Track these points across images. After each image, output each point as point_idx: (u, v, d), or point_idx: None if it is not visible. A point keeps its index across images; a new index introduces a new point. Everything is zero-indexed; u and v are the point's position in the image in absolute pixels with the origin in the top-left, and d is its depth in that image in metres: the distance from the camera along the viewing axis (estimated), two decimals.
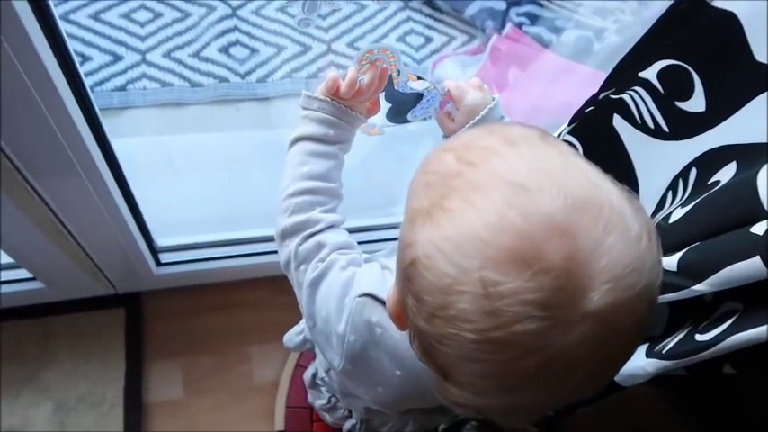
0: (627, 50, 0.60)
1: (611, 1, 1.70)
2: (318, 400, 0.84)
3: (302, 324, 0.83)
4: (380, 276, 0.60)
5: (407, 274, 0.40)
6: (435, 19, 1.75)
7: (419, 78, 0.73)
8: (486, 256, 0.35)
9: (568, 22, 1.68)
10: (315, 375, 0.84)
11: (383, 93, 0.71)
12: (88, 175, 0.72)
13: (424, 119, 0.75)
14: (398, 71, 0.69)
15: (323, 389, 0.83)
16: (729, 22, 0.51)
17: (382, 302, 0.57)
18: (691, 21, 0.53)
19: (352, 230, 1.07)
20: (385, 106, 0.73)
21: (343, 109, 0.65)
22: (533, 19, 1.69)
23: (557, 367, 0.37)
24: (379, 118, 0.75)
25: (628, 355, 0.43)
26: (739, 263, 0.47)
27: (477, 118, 0.67)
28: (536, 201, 0.36)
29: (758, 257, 0.45)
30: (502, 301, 0.35)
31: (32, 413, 1.09)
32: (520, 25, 1.67)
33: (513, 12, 1.70)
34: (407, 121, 0.74)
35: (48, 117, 0.61)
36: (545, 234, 0.35)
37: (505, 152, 0.40)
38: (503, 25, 1.66)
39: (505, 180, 0.37)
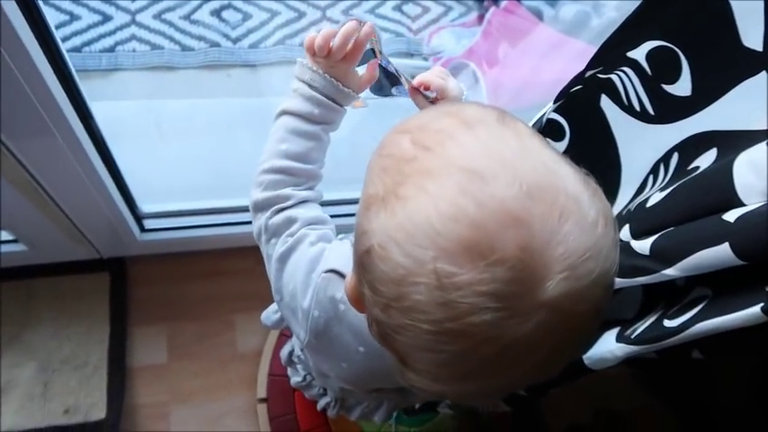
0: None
1: None
2: (294, 378, 0.85)
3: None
4: (350, 253, 0.60)
5: (363, 262, 0.40)
6: None
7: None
8: (440, 247, 0.35)
9: None
10: (291, 353, 0.85)
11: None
12: (64, 136, 0.71)
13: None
14: (380, 51, 0.68)
15: (299, 366, 0.84)
16: (720, 3, 0.50)
17: None
18: (678, 1, 0.51)
19: (338, 203, 1.06)
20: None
21: (334, 83, 0.62)
22: None
23: (513, 355, 0.37)
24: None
25: (586, 339, 0.43)
26: (709, 249, 0.47)
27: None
28: (490, 188, 0.35)
29: (727, 244, 0.45)
30: (456, 292, 0.34)
31: (16, 373, 1.10)
32: None
33: None
34: (391, 95, 0.73)
35: (18, 76, 0.60)
36: (499, 224, 0.34)
37: (461, 136, 0.39)
38: None
39: (460, 166, 0.36)
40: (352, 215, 1.07)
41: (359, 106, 0.75)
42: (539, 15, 1.60)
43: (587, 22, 1.50)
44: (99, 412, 1.10)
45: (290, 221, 0.60)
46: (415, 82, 0.66)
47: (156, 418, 1.13)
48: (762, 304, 0.43)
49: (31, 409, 1.08)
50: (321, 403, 0.84)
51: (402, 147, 0.40)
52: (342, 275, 0.57)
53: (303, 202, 0.62)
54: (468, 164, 0.36)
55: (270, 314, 0.80)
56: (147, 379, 1.15)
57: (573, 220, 0.36)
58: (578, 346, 0.42)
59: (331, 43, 0.60)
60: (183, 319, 1.19)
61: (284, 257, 0.59)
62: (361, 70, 0.70)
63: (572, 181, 0.38)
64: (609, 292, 0.39)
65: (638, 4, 0.55)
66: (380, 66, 0.69)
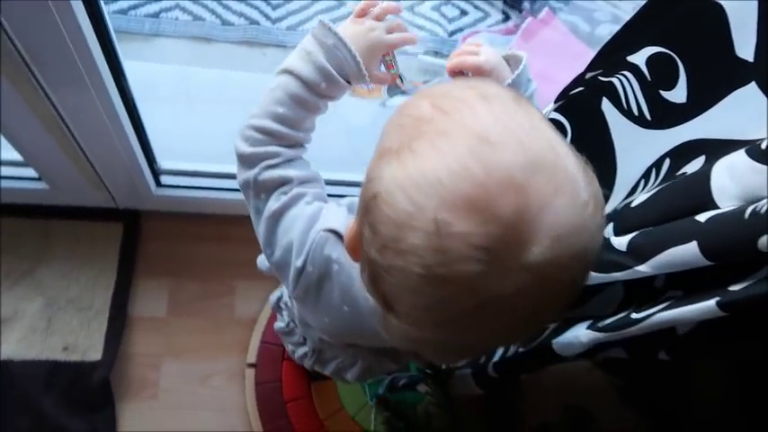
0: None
1: None
2: (278, 323, 0.88)
3: None
4: (346, 217, 0.62)
5: (368, 206, 0.43)
6: None
7: (426, 83, 0.73)
8: (443, 199, 0.38)
9: (607, 16, 1.66)
10: (280, 299, 0.87)
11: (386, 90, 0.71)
12: (95, 86, 0.76)
13: None
14: (401, 78, 0.68)
15: (284, 313, 0.86)
16: (716, 13, 0.51)
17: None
18: (679, 6, 0.53)
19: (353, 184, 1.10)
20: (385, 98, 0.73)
21: (357, 58, 0.61)
22: (572, 7, 1.67)
23: (489, 310, 0.40)
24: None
25: (557, 310, 0.45)
26: (679, 247, 0.49)
27: (506, 83, 0.66)
28: (498, 155, 0.38)
29: (695, 243, 0.47)
30: (450, 240, 0.38)
31: (24, 306, 1.15)
32: (557, 11, 1.65)
33: None
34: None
35: (61, 28, 0.64)
36: (501, 187, 0.38)
37: (478, 106, 0.42)
38: (540, 8, 1.64)
39: (472, 131, 0.40)
40: None
41: (373, 95, 0.76)
42: (575, 32, 1.62)
43: None
44: (95, 354, 1.14)
45: (283, 180, 0.61)
46: (447, 69, 0.68)
47: (148, 367, 1.17)
48: (718, 298, 0.45)
49: (32, 341, 1.13)
50: (299, 352, 0.86)
51: (421, 108, 0.43)
52: (339, 236, 0.59)
53: (291, 160, 0.62)
54: (481, 130, 0.40)
55: (265, 260, 0.82)
56: (145, 329, 1.19)
57: (566, 196, 0.39)
58: (550, 314, 0.45)
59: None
60: (187, 277, 1.23)
61: (278, 214, 0.60)
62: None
63: (572, 163, 0.41)
64: (587, 270, 0.43)
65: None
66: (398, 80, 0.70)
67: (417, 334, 0.45)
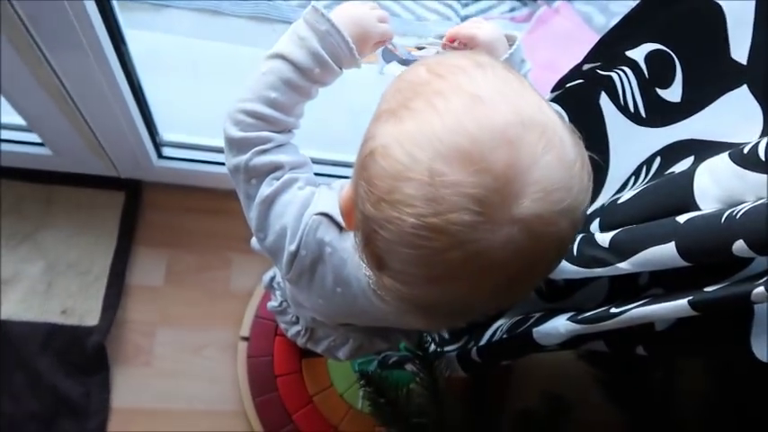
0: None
1: None
2: (271, 302, 0.89)
3: None
4: (338, 201, 0.62)
5: (364, 163, 0.44)
6: None
7: (420, 48, 0.72)
8: (438, 151, 0.40)
9: (622, 7, 1.64)
10: (273, 279, 0.88)
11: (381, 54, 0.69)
12: (94, 54, 0.76)
13: None
14: (393, 46, 0.68)
15: (277, 293, 0.87)
16: (715, 13, 0.51)
17: (337, 225, 0.60)
18: (678, 3, 0.53)
19: (348, 165, 1.10)
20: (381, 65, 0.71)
21: (351, 46, 0.61)
22: None
23: (479, 264, 0.41)
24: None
25: (545, 269, 0.47)
26: (657, 246, 0.49)
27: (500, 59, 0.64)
28: (491, 112, 0.40)
29: (673, 243, 0.47)
30: (444, 190, 0.39)
31: (25, 267, 1.17)
32: (574, 1, 1.63)
33: None
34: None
35: None
36: (493, 142, 0.39)
37: (472, 71, 0.44)
38: None
39: (467, 91, 0.42)
40: None
41: (369, 60, 0.74)
42: (589, 23, 1.60)
43: None
44: (92, 319, 1.16)
45: (275, 165, 0.60)
46: (445, 38, 0.68)
47: (143, 334, 1.19)
48: (690, 297, 0.45)
49: (31, 303, 1.15)
50: (292, 331, 0.87)
51: (418, 74, 0.45)
52: (332, 219, 0.60)
53: (282, 145, 0.62)
54: (475, 91, 0.42)
55: None
56: (142, 297, 1.21)
57: (555, 153, 0.41)
58: (537, 274, 0.46)
59: None
60: (185, 248, 1.25)
61: (270, 199, 0.60)
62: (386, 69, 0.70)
63: (560, 125, 0.43)
64: (574, 228, 0.44)
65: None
66: (396, 55, 0.69)
67: (409, 292, 0.46)
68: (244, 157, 0.60)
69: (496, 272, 0.42)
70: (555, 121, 0.43)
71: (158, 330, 1.20)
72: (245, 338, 1.21)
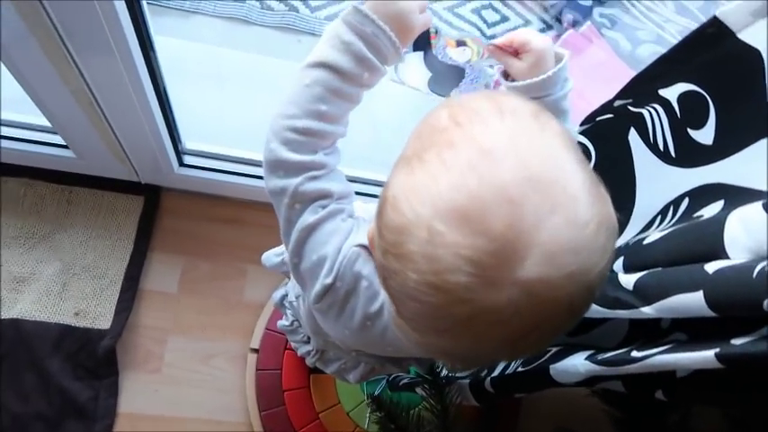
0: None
1: None
2: (282, 321, 0.88)
3: (282, 247, 0.86)
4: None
5: (380, 209, 0.45)
6: None
7: (460, 44, 0.70)
8: (437, 208, 0.39)
9: (651, 35, 1.62)
10: (284, 297, 0.87)
11: (423, 56, 0.68)
12: (123, 59, 0.76)
13: None
14: (435, 30, 0.66)
15: (288, 312, 0.87)
16: (752, 59, 0.50)
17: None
18: (715, 47, 0.52)
19: (376, 183, 1.10)
20: (425, 74, 0.70)
21: (397, 45, 0.57)
22: (615, 23, 1.63)
23: (482, 323, 0.40)
24: (421, 84, 0.73)
25: (553, 331, 0.44)
26: (685, 294, 0.48)
27: (543, 77, 0.61)
28: (495, 168, 0.39)
29: (701, 293, 0.46)
30: (441, 249, 0.39)
31: (41, 268, 1.18)
32: (600, 26, 1.62)
33: (597, 11, 1.64)
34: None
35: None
36: (494, 200, 0.38)
37: (490, 118, 0.42)
38: (582, 21, 1.61)
39: (476, 144, 0.40)
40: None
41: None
42: (616, 49, 1.59)
43: None
44: (105, 322, 1.17)
45: (324, 193, 0.58)
46: (495, 43, 0.63)
47: (154, 340, 1.19)
48: (717, 350, 0.44)
49: (45, 304, 1.16)
50: (302, 350, 0.86)
51: (440, 118, 0.44)
52: (370, 252, 0.57)
53: (333, 170, 0.60)
54: (484, 143, 0.40)
55: (271, 256, 0.82)
56: (155, 303, 1.21)
57: (563, 215, 0.38)
58: (549, 335, 0.44)
59: None
60: (201, 256, 1.25)
61: (313, 227, 0.58)
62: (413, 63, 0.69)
63: (576, 182, 0.40)
64: (587, 293, 0.41)
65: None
66: (436, 58, 0.68)
67: (419, 338, 0.46)
68: (294, 181, 0.57)
69: (501, 329, 0.41)
70: (571, 175, 0.40)
71: (170, 337, 1.20)
72: (255, 350, 1.20)
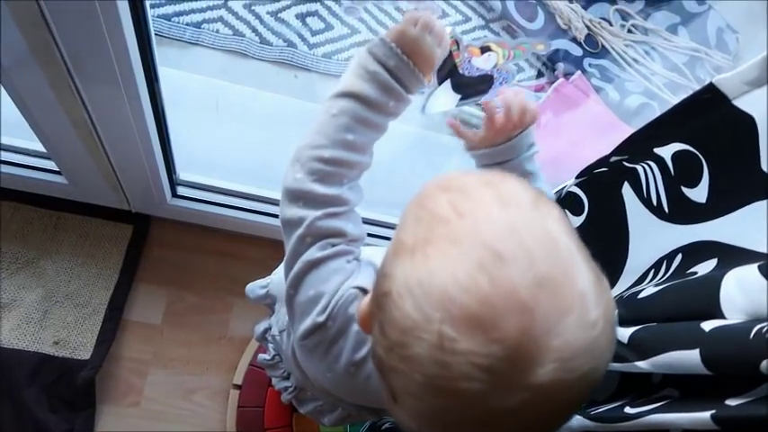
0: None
1: (687, 81, 1.68)
2: (263, 355, 0.86)
3: (268, 279, 0.85)
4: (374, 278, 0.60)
5: (380, 302, 0.43)
6: None
7: (484, 51, 0.67)
8: (448, 312, 0.38)
9: (638, 87, 1.67)
10: (267, 330, 0.86)
11: (449, 83, 0.67)
12: (127, 90, 0.77)
13: None
14: (456, 41, 0.64)
15: (270, 346, 0.85)
16: (746, 125, 0.52)
17: None
18: (711, 112, 0.54)
19: (368, 222, 1.09)
20: (454, 99, 0.69)
21: (420, 78, 0.59)
22: (605, 74, 1.68)
23: (491, 421, 0.40)
24: (450, 105, 0.70)
25: (559, 423, 0.44)
26: (681, 351, 0.48)
27: (506, 143, 0.67)
28: (506, 271, 0.38)
29: (698, 351, 0.47)
30: (453, 356, 0.37)
31: (23, 294, 1.16)
32: (590, 77, 1.67)
33: (587, 61, 1.69)
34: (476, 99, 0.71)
35: (103, 26, 0.65)
36: (507, 306, 0.37)
37: (494, 212, 0.41)
38: (573, 71, 1.66)
39: (484, 242, 0.39)
40: (379, 236, 1.09)
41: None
42: (605, 100, 1.63)
43: (648, 116, 1.52)
44: (85, 353, 1.14)
45: (338, 232, 0.58)
46: (496, 99, 0.68)
47: (134, 373, 1.16)
48: (713, 411, 0.44)
49: (25, 331, 1.13)
50: (279, 385, 0.84)
51: (439, 205, 0.43)
52: (367, 293, 0.56)
53: (352, 211, 0.60)
54: (492, 242, 0.39)
55: (255, 288, 0.81)
56: (137, 335, 1.19)
57: (574, 316, 0.38)
58: (554, 425, 0.44)
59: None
60: (187, 288, 1.23)
61: (317, 263, 0.57)
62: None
63: (583, 278, 0.40)
64: (594, 384, 0.41)
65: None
66: (463, 76, 0.67)
67: (418, 427, 0.44)
68: (313, 214, 0.57)
69: (509, 424, 0.40)
70: (577, 271, 0.40)
71: (150, 370, 1.17)
72: (238, 386, 1.18)
